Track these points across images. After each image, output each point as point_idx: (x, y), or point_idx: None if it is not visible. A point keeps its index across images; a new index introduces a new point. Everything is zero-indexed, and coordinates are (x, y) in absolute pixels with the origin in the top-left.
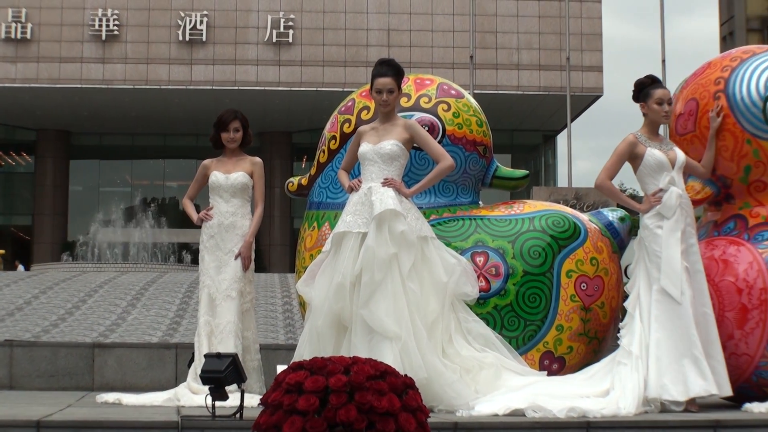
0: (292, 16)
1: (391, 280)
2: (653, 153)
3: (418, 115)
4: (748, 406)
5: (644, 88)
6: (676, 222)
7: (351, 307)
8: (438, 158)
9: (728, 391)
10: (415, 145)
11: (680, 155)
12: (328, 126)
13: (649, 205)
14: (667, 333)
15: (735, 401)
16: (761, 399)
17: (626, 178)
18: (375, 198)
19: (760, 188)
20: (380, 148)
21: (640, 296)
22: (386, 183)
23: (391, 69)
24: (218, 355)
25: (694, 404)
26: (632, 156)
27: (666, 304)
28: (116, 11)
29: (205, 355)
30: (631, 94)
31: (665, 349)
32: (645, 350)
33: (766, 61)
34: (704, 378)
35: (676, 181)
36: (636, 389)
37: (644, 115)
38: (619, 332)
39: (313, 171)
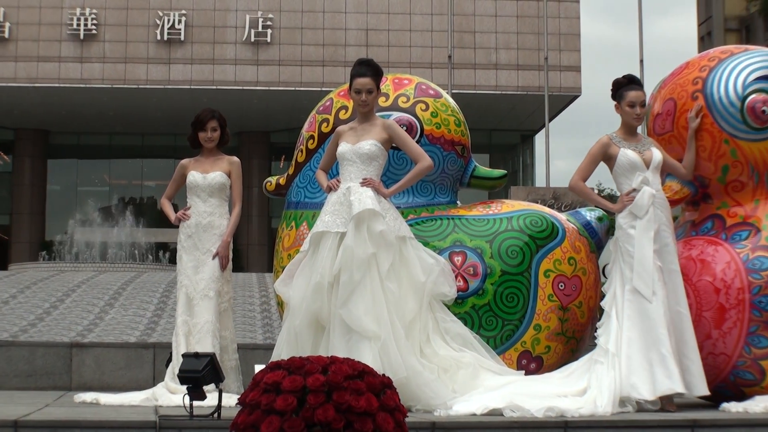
0: (270, 15)
1: (369, 280)
2: (626, 153)
3: (396, 114)
4: (725, 405)
5: (620, 89)
6: (648, 221)
7: (329, 306)
8: (416, 158)
9: (703, 391)
10: (393, 144)
11: (656, 155)
12: (306, 125)
13: (622, 205)
14: (638, 332)
15: (712, 401)
16: (739, 398)
17: (605, 179)
18: (354, 198)
19: (738, 188)
20: (359, 148)
21: (616, 296)
22: (365, 183)
23: (370, 69)
24: (196, 355)
25: (671, 404)
26: (606, 157)
27: (638, 304)
28: (94, 10)
29: (183, 355)
30: (610, 92)
31: (636, 348)
32: (620, 349)
33: (744, 61)
34: (670, 377)
35: (650, 181)
36: (612, 387)
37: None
38: (596, 331)
39: (291, 170)
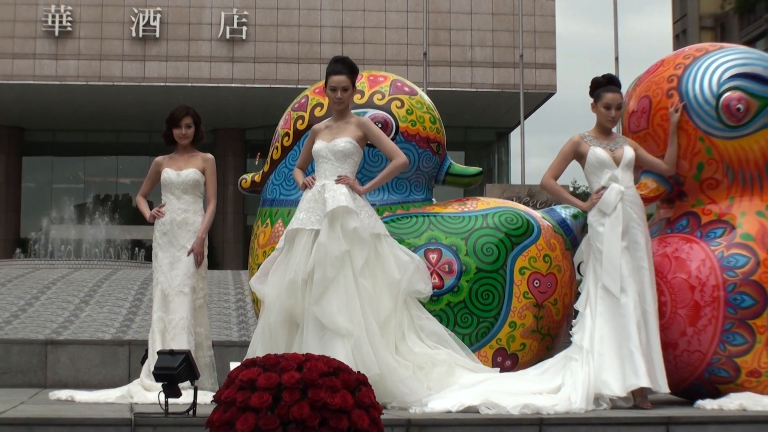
0: (245, 12)
1: (343, 278)
2: (595, 151)
3: (371, 112)
4: (700, 402)
5: (598, 88)
6: (616, 218)
7: (303, 303)
8: (391, 155)
9: (664, 389)
10: (368, 142)
11: (627, 153)
12: (281, 123)
13: (591, 203)
14: (610, 329)
15: (687, 398)
16: (713, 396)
17: (580, 175)
18: (328, 195)
19: (713, 185)
20: (334, 146)
21: (589, 293)
22: (340, 180)
23: (345, 67)
24: (171, 352)
25: (645, 401)
26: (577, 155)
27: (609, 301)
28: (69, 7)
29: (159, 352)
30: (588, 90)
31: (608, 345)
32: (593, 346)
33: (719, 58)
34: (636, 372)
35: (619, 179)
36: (587, 384)
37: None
38: (571, 329)
39: (266, 168)
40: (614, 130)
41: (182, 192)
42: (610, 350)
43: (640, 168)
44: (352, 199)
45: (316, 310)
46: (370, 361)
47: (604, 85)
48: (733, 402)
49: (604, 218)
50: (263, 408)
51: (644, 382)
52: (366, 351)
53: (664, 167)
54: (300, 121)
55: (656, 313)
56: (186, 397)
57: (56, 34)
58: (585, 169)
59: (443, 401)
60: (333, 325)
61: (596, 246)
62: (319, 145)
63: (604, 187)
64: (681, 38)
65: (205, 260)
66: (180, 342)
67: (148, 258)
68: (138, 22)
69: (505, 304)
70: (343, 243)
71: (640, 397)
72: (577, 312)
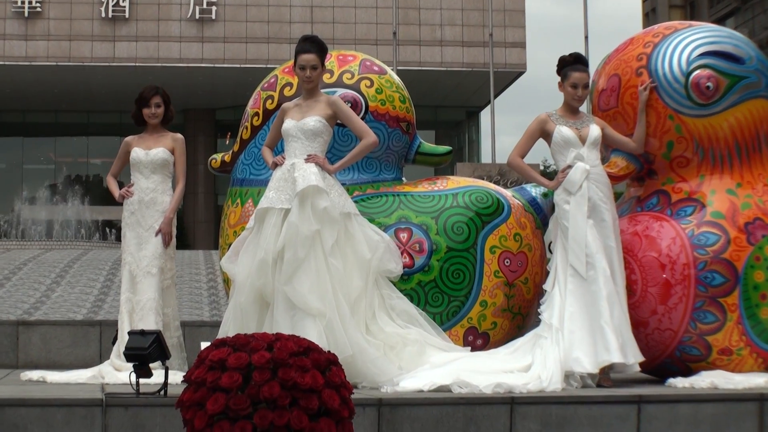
0: None
1: (314, 257)
2: (560, 130)
3: (341, 91)
4: (671, 381)
5: (565, 67)
6: (581, 197)
7: (273, 283)
8: (361, 135)
9: (638, 358)
10: (338, 121)
11: (593, 132)
12: (250, 102)
13: (557, 182)
14: (580, 306)
15: (659, 376)
16: (685, 374)
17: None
18: (298, 174)
19: (683, 164)
20: (303, 125)
21: (557, 271)
22: (309, 159)
23: (314, 45)
24: (142, 333)
25: (607, 379)
26: (544, 134)
27: (578, 278)
28: None
29: (129, 333)
30: (555, 68)
31: (578, 323)
32: (563, 324)
33: (688, 37)
34: (607, 348)
35: (585, 157)
36: (558, 362)
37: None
38: (540, 307)
39: (236, 148)
40: (582, 108)
41: (150, 171)
42: (581, 328)
43: (609, 147)
44: (322, 179)
45: (288, 290)
46: (342, 343)
47: (571, 64)
48: (705, 380)
49: (570, 197)
50: (233, 388)
51: (616, 358)
52: (338, 331)
53: (632, 146)
54: (269, 101)
55: (624, 290)
56: (157, 377)
57: (26, 14)
58: (551, 147)
59: (415, 380)
60: (305, 305)
61: (563, 224)
62: (288, 123)
63: (569, 166)
64: (651, 17)
65: (174, 240)
66: (148, 322)
67: (120, 239)
68: (107, 3)
69: (476, 283)
70: (313, 222)
71: (602, 375)
72: (545, 291)
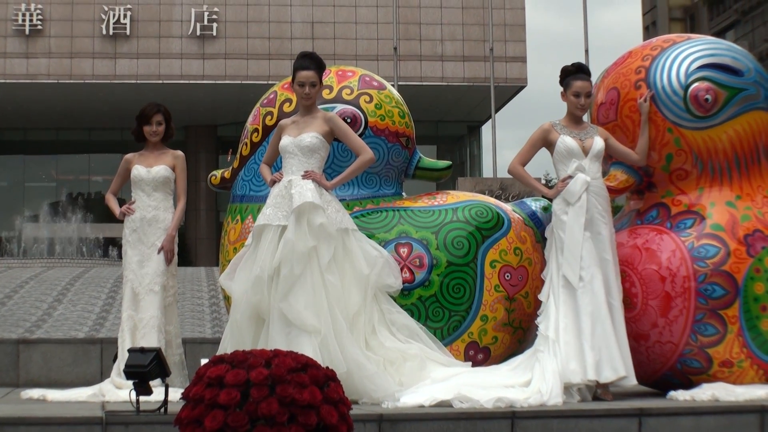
0: (215, 9)
1: (310, 274)
2: (564, 140)
3: (340, 107)
4: (672, 393)
5: (567, 76)
6: (580, 208)
7: (269, 300)
8: (358, 151)
9: (630, 380)
10: (336, 137)
11: (597, 144)
12: (250, 119)
13: (556, 191)
14: (572, 318)
15: (660, 389)
16: (686, 387)
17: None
18: (295, 191)
19: (682, 176)
20: (300, 141)
21: (553, 281)
22: (306, 175)
23: (313, 62)
24: (142, 350)
25: (607, 392)
26: (547, 143)
27: (570, 289)
28: (40, 6)
29: (129, 350)
30: (558, 79)
31: (572, 334)
32: (559, 335)
33: (686, 50)
34: (582, 365)
35: (586, 168)
36: (556, 374)
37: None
38: (537, 319)
39: (235, 164)
40: (585, 119)
41: (152, 189)
42: (574, 339)
43: (610, 159)
44: (319, 195)
45: (283, 306)
46: (336, 359)
47: (573, 74)
48: (706, 392)
49: (568, 207)
50: (231, 405)
51: (593, 374)
52: (333, 348)
53: (635, 157)
54: (269, 117)
55: (621, 305)
56: (157, 394)
57: (27, 32)
58: (553, 157)
59: (416, 396)
60: (300, 322)
61: (558, 234)
62: (285, 140)
63: (570, 176)
64: (651, 30)
65: (175, 258)
66: (150, 340)
67: (121, 256)
68: (108, 20)
69: (477, 297)
70: (309, 239)
71: (601, 388)
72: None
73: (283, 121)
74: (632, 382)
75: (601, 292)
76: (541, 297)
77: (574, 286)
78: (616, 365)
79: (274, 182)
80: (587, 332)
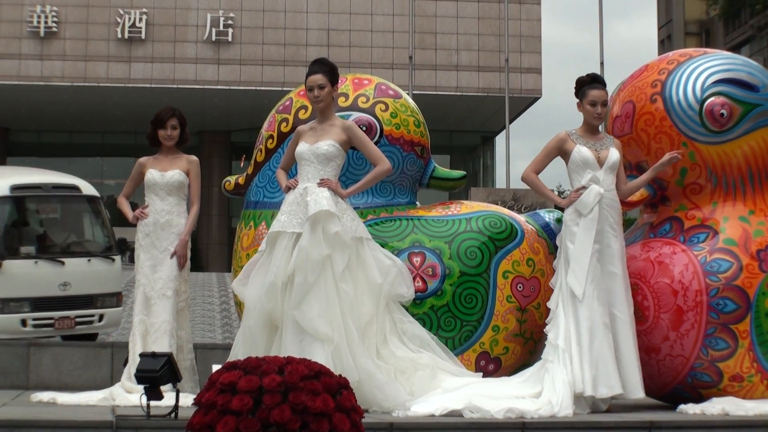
0: (231, 14)
1: (324, 282)
2: (580, 150)
3: (355, 114)
4: (682, 407)
5: (583, 87)
6: (591, 220)
7: (282, 307)
8: (375, 161)
9: (638, 394)
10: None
11: (613, 155)
12: (265, 125)
13: (569, 201)
14: (575, 330)
15: (670, 402)
16: (696, 400)
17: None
18: (310, 198)
19: (696, 191)
20: (317, 149)
21: (562, 290)
22: (322, 183)
23: (321, 66)
24: (153, 355)
25: (607, 403)
26: (562, 152)
27: (575, 301)
28: (55, 8)
29: (140, 355)
30: (573, 91)
31: (576, 346)
32: (570, 344)
33: (702, 64)
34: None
35: (600, 180)
36: (566, 384)
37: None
38: (545, 328)
39: (250, 170)
40: (601, 129)
41: (166, 193)
42: (577, 350)
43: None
44: (335, 203)
45: (296, 314)
46: (349, 368)
47: (588, 83)
48: (716, 407)
49: (580, 218)
50: (244, 411)
51: (588, 391)
52: (345, 357)
53: (621, 187)
54: (284, 124)
55: (631, 319)
56: (168, 399)
57: (42, 34)
58: (568, 167)
59: (426, 405)
60: (313, 330)
61: (566, 245)
62: (302, 147)
63: (584, 187)
64: (666, 44)
65: (188, 263)
66: (162, 345)
67: (133, 260)
68: (124, 24)
69: (489, 307)
70: (324, 247)
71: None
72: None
73: (300, 127)
74: (639, 395)
75: (602, 308)
76: (550, 304)
77: (578, 298)
78: (612, 382)
79: (288, 189)
80: (585, 347)
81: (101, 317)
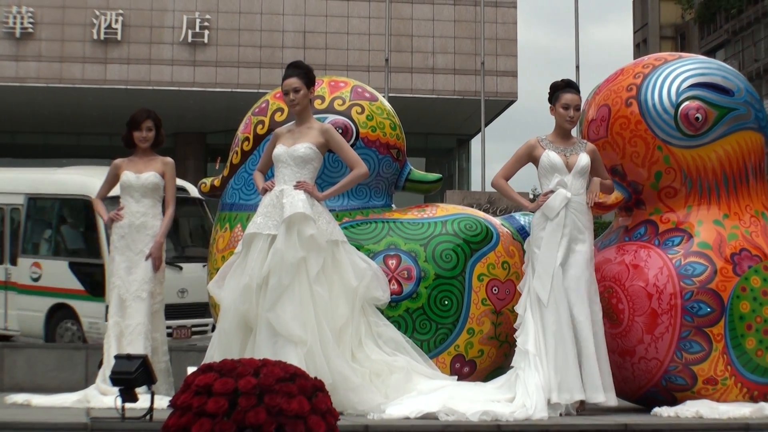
0: (207, 16)
1: (298, 284)
2: (548, 155)
3: (331, 117)
4: (657, 410)
5: (556, 91)
6: (558, 224)
7: (257, 309)
8: (352, 165)
9: (601, 399)
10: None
11: (582, 160)
12: (241, 127)
13: (536, 205)
14: (542, 334)
15: (644, 405)
16: (670, 403)
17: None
18: (286, 201)
19: (671, 194)
20: (294, 151)
21: (531, 295)
22: (298, 186)
23: (297, 70)
24: (128, 357)
25: (581, 406)
26: (532, 158)
27: (541, 306)
28: (31, 9)
29: (116, 357)
30: (547, 95)
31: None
32: (541, 349)
33: (677, 68)
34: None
35: (568, 184)
36: (539, 388)
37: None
38: (515, 333)
39: (226, 172)
40: (574, 134)
41: (141, 195)
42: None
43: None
44: (310, 206)
45: (270, 316)
46: (322, 370)
47: (562, 88)
48: (690, 410)
49: (546, 222)
50: (219, 413)
51: (554, 398)
52: (319, 360)
53: (609, 183)
54: (260, 126)
55: (600, 323)
56: (143, 401)
57: (17, 35)
58: (538, 171)
59: (401, 407)
60: (286, 332)
61: (533, 249)
62: (279, 149)
63: (552, 191)
64: (641, 47)
65: (163, 265)
66: (137, 347)
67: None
68: (100, 25)
69: (464, 310)
70: (299, 250)
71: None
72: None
73: (278, 129)
74: (611, 402)
75: (566, 314)
76: (518, 309)
77: (543, 303)
78: (572, 388)
79: (265, 191)
80: (551, 352)
81: (214, 327)
